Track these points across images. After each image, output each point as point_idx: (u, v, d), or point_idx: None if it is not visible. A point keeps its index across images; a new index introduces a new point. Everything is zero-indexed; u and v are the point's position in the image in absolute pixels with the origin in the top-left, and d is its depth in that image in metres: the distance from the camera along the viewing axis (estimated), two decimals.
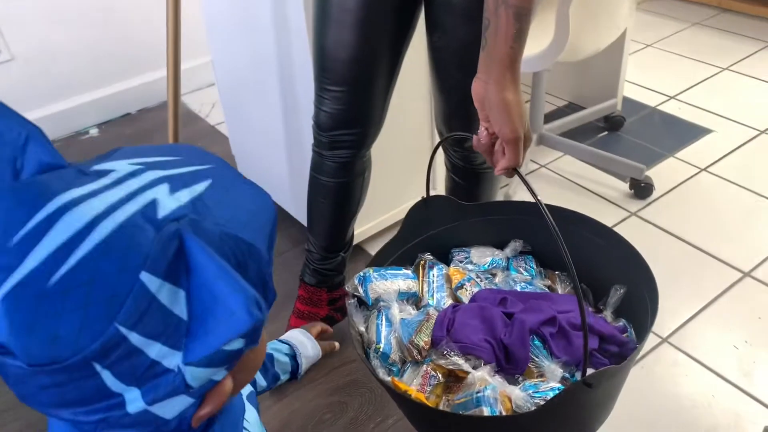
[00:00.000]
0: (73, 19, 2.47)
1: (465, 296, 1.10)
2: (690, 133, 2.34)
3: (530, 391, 0.90)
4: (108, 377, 0.43)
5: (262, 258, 0.49)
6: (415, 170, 1.87)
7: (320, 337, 1.02)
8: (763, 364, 1.52)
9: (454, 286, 1.12)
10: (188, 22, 2.64)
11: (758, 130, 2.32)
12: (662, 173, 2.13)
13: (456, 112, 1.30)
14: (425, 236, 1.16)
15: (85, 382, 0.43)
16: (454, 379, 0.97)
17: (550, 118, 2.34)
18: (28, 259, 0.40)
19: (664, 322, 1.64)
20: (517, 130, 0.94)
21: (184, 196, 0.46)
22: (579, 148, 2.18)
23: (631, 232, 1.92)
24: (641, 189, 2.03)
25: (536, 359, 0.95)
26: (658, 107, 2.51)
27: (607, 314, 1.06)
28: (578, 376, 0.95)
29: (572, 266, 0.80)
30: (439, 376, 0.97)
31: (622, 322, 1.05)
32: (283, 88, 1.74)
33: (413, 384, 0.97)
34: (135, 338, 0.42)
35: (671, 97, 2.56)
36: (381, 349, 1.01)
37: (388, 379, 0.98)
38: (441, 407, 0.94)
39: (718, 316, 1.65)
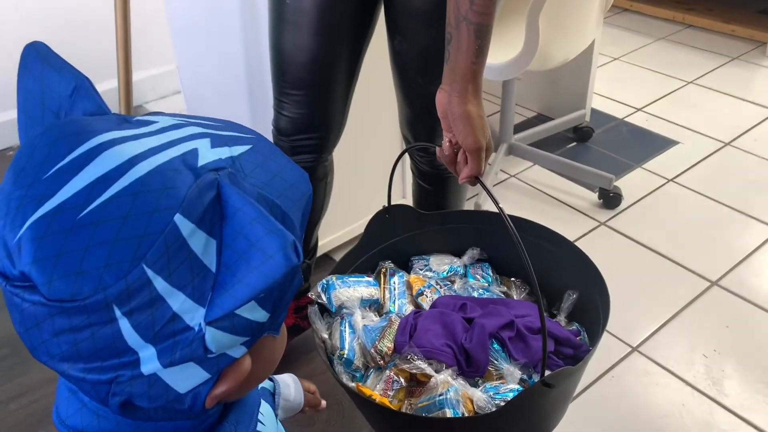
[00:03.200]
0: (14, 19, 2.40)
1: (425, 303, 1.12)
2: (657, 144, 2.36)
3: (491, 393, 0.92)
4: (126, 327, 0.41)
5: (295, 232, 0.47)
6: (383, 179, 1.83)
7: (308, 391, 0.96)
8: (732, 372, 1.52)
9: (414, 292, 1.13)
10: (152, 29, 2.60)
11: (723, 142, 2.35)
12: (630, 183, 2.14)
13: (420, 118, 1.28)
14: (386, 244, 1.18)
15: (101, 330, 0.41)
16: (416, 383, 0.98)
17: (519, 128, 2.34)
18: (61, 191, 0.40)
19: (633, 331, 1.63)
20: (479, 141, 0.95)
21: (224, 153, 0.45)
22: (548, 157, 2.18)
23: (600, 241, 1.92)
24: (610, 199, 2.04)
25: (495, 362, 0.98)
26: (626, 119, 2.53)
27: (561, 319, 1.09)
28: (535, 377, 0.98)
29: (533, 272, 0.82)
30: (402, 380, 0.98)
31: (575, 326, 1.08)
32: (252, 94, 1.71)
33: (376, 389, 0.98)
34: (160, 284, 0.40)
35: (638, 109, 2.58)
36: (345, 356, 1.02)
37: (352, 384, 0.99)
38: (404, 411, 0.96)
39: (688, 326, 1.65)
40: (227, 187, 0.42)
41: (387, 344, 1.01)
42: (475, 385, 0.97)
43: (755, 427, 1.40)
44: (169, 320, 0.41)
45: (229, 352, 0.45)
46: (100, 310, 0.40)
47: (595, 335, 1.01)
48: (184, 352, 0.43)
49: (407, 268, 1.20)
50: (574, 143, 2.40)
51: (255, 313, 0.44)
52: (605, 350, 1.58)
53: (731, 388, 1.48)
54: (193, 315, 0.42)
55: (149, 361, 0.42)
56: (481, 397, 0.92)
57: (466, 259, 1.19)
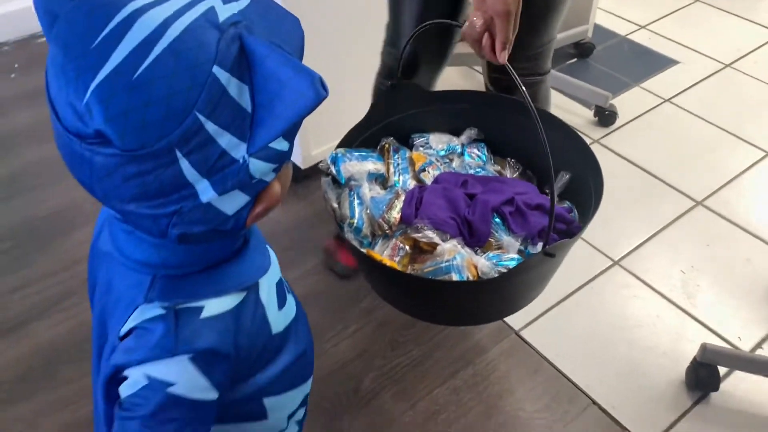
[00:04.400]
0: None
1: (427, 178, 1.18)
2: (657, 63, 2.35)
3: (494, 261, 1.01)
4: (186, 166, 0.50)
5: None
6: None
7: None
8: (707, 287, 1.59)
9: (417, 168, 1.19)
10: None
11: (724, 63, 2.34)
12: (627, 102, 2.15)
13: None
14: (389, 121, 1.22)
15: (165, 171, 0.49)
16: (418, 251, 1.07)
17: None
18: (111, 58, 0.46)
19: (616, 246, 1.69)
20: (508, 3, 0.95)
21: (235, 7, 0.51)
22: None
23: None
24: (605, 117, 2.05)
25: (496, 234, 1.07)
26: (629, 36, 2.50)
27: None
28: (531, 248, 1.06)
29: (548, 151, 0.89)
30: (407, 247, 1.06)
31: (567, 204, 1.15)
32: None
33: (383, 255, 1.06)
34: (210, 127, 0.49)
35: (642, 27, 2.55)
36: (354, 224, 1.09)
37: (363, 250, 1.06)
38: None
39: (669, 242, 1.71)
40: (250, 39, 0.49)
41: (395, 215, 1.10)
42: (477, 254, 1.05)
43: (721, 338, 1.48)
44: (219, 156, 0.50)
45: (265, 178, 0.54)
46: (164, 154, 0.48)
47: (586, 214, 1.08)
48: (234, 181, 0.52)
49: (408, 145, 1.25)
50: (575, 59, 2.38)
51: (281, 144, 0.54)
52: (587, 262, 1.65)
53: (704, 302, 1.56)
54: (238, 150, 0.51)
55: (205, 192, 0.51)
56: (485, 264, 1.01)
57: (463, 138, 1.25)
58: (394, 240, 1.08)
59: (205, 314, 0.59)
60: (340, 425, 1.34)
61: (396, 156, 1.21)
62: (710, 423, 1.34)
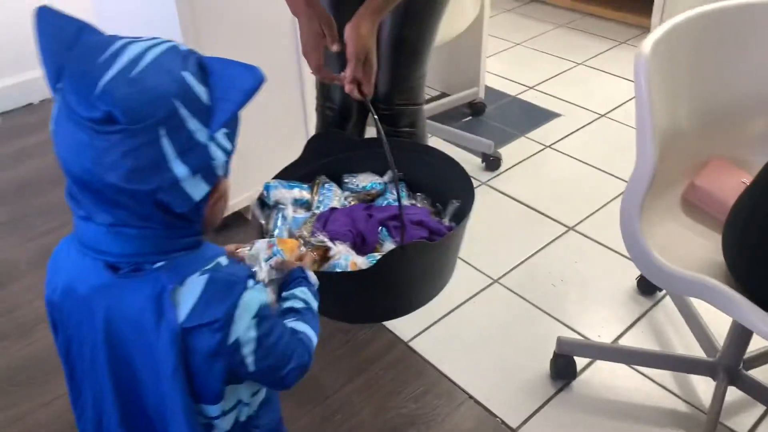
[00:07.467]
0: None
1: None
2: (542, 117, 2.66)
3: (370, 260, 1.27)
4: (166, 144, 0.66)
5: None
6: (287, 141, 2.09)
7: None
8: (575, 295, 1.82)
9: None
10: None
11: (599, 114, 2.67)
12: (513, 150, 2.44)
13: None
14: (322, 163, 1.52)
15: (152, 147, 0.66)
16: (326, 261, 1.31)
17: None
18: (113, 66, 0.66)
19: (496, 266, 1.92)
20: (357, 50, 1.26)
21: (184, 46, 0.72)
22: (438, 127, 2.47)
23: (480, 197, 2.20)
24: (491, 162, 2.33)
25: (382, 242, 1.35)
26: (518, 96, 2.83)
27: (446, 220, 1.44)
28: None
29: (396, 175, 1.20)
30: (316, 255, 1.30)
31: (453, 224, 1.42)
32: None
33: None
34: (183, 112, 0.67)
35: (530, 88, 2.89)
36: (275, 235, 1.34)
37: None
38: None
39: (544, 262, 1.95)
40: (205, 57, 0.71)
41: (307, 229, 1.36)
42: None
43: (584, 336, 1.70)
44: (188, 137, 0.67)
45: (217, 170, 0.71)
46: (152, 130, 0.65)
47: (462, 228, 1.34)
48: (198, 161, 0.68)
49: (340, 184, 1.53)
50: (469, 117, 2.69)
51: (226, 143, 0.72)
52: (470, 281, 1.87)
53: (570, 306, 1.78)
54: (202, 133, 0.68)
55: (178, 168, 0.67)
56: (362, 261, 1.26)
57: (386, 177, 1.53)
58: (306, 249, 1.30)
59: (223, 262, 0.77)
60: None
61: (323, 188, 1.50)
62: (571, 406, 1.54)
